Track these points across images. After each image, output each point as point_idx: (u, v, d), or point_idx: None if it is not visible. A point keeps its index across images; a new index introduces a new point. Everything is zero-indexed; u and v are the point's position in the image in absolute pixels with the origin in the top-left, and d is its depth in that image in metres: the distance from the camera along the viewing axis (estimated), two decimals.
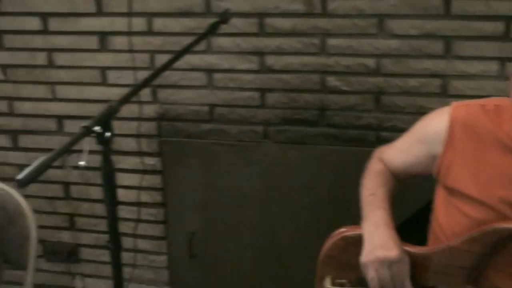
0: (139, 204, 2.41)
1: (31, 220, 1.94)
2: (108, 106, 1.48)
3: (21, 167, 2.51)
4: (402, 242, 1.46)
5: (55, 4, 2.30)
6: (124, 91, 2.29)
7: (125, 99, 1.55)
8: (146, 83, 1.65)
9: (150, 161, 2.38)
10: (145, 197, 2.41)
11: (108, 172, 1.49)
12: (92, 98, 2.38)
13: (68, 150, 1.35)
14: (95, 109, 2.37)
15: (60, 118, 2.44)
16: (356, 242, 1.49)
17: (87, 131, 1.40)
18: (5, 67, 2.42)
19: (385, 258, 1.43)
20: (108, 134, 1.44)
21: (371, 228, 1.48)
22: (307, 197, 2.26)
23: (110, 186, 1.50)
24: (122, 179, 2.39)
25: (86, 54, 2.34)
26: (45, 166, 1.29)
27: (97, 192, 2.47)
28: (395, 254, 1.43)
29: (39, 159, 1.30)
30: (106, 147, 1.46)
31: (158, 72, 1.68)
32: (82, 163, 1.39)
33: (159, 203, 2.43)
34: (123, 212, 2.45)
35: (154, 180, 2.41)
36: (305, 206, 2.28)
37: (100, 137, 1.43)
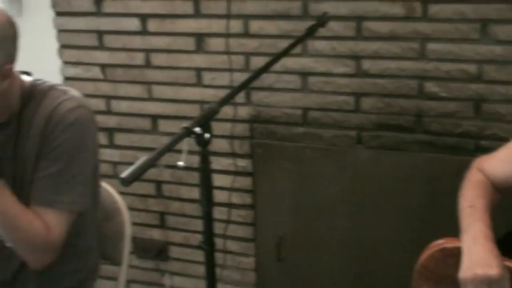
0: (229, 205, 2.42)
1: (127, 217, 1.98)
2: (208, 107, 1.48)
3: (116, 164, 2.58)
4: (503, 257, 1.40)
5: (154, 6, 2.35)
6: (219, 92, 2.35)
7: (225, 101, 1.55)
8: (244, 85, 1.64)
9: (242, 163, 2.39)
10: (235, 198, 2.42)
11: (206, 173, 1.49)
12: (186, 98, 2.41)
13: (169, 150, 1.37)
14: (189, 110, 2.42)
15: (154, 118, 2.49)
16: (454, 255, 1.43)
17: (188, 132, 1.41)
18: (104, 66, 2.49)
19: (484, 276, 1.37)
20: (207, 135, 1.45)
21: (470, 242, 1.43)
22: (399, 205, 2.21)
23: (207, 187, 1.51)
24: (214, 179, 2.40)
25: (182, 55, 2.37)
26: (148, 166, 1.31)
27: (188, 192, 2.51)
28: (496, 273, 1.36)
29: (141, 159, 1.32)
30: (204, 149, 1.47)
31: (257, 74, 1.68)
32: (181, 163, 1.41)
33: (249, 205, 2.44)
34: (214, 212, 2.46)
35: (245, 181, 2.41)
36: (397, 215, 2.22)
37: (199, 138, 1.44)
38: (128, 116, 2.52)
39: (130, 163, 2.52)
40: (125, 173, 1.29)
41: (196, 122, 1.44)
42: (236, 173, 2.40)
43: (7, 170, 1.57)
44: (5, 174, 1.54)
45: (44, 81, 1.66)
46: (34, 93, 1.61)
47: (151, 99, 2.47)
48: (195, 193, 2.49)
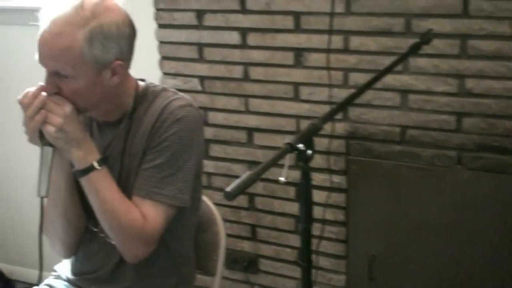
0: (323, 221, 2.40)
1: (221, 228, 2.00)
2: (311, 124, 1.48)
3: (210, 175, 2.61)
4: None
5: (255, 20, 2.37)
6: (315, 107, 2.34)
7: (328, 118, 1.54)
8: (348, 102, 1.64)
9: (336, 179, 2.37)
10: (328, 214, 2.40)
11: (306, 190, 1.49)
12: (283, 112, 2.42)
13: (273, 165, 1.37)
14: (285, 124, 2.42)
15: (250, 130, 2.51)
16: None
17: (291, 148, 1.42)
18: (203, 78, 2.53)
19: None
20: (309, 152, 1.45)
21: None
22: (499, 228, 2.13)
23: (306, 203, 1.50)
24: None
25: (280, 69, 2.38)
26: (252, 180, 1.32)
27: (280, 205, 2.51)
28: None
29: (246, 173, 1.33)
30: (306, 165, 1.46)
31: (361, 91, 1.67)
32: (282, 179, 1.41)
33: (342, 222, 2.41)
34: None
35: (339, 198, 2.39)
36: (496, 237, 2.15)
37: (301, 155, 1.44)
38: (225, 128, 2.54)
39: (224, 175, 2.58)
40: (230, 187, 1.30)
41: (299, 138, 1.44)
42: (330, 189, 2.38)
43: (115, 166, 1.67)
44: (112, 169, 1.63)
45: (157, 85, 1.75)
46: (147, 95, 1.70)
47: (247, 112, 2.49)
48: (288, 207, 2.49)
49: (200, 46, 2.51)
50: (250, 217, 2.59)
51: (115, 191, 1.61)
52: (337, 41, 2.25)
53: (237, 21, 2.40)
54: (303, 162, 1.45)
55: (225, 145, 2.56)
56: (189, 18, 2.48)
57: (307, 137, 1.45)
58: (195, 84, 2.55)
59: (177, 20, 2.52)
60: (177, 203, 1.64)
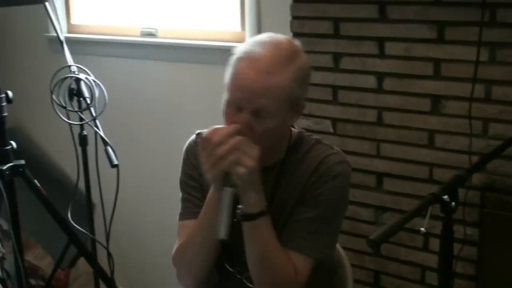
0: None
1: (350, 273, 1.98)
2: (456, 175, 1.45)
3: None
4: None
5: (393, 65, 2.36)
6: (451, 156, 2.29)
7: (474, 169, 1.51)
8: (495, 153, 1.59)
9: (469, 231, 2.29)
10: (458, 267, 2.32)
11: (448, 243, 1.45)
12: (415, 159, 2.38)
13: (416, 214, 1.35)
14: (417, 171, 2.38)
15: (380, 175, 2.48)
16: None
17: (435, 199, 1.39)
18: (335, 120, 2.54)
19: None
20: (453, 203, 1.42)
21: None
22: None
23: (447, 257, 1.46)
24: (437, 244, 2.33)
25: (416, 115, 2.34)
26: (396, 229, 1.30)
27: (406, 253, 2.45)
28: None
29: (390, 221, 1.32)
30: (449, 217, 1.43)
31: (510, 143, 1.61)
32: (423, 229, 1.39)
33: (471, 276, 2.32)
34: (432, 278, 2.39)
35: (470, 251, 2.31)
36: None
37: (445, 206, 1.41)
38: (354, 171, 2.51)
39: (351, 218, 2.55)
40: (374, 235, 1.29)
41: (443, 189, 1.41)
42: (462, 241, 2.30)
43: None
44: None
45: (310, 134, 1.77)
46: (301, 144, 1.71)
47: (378, 156, 2.47)
48: (414, 256, 2.43)
49: (335, 88, 2.52)
50: (374, 263, 2.55)
51: (275, 241, 1.60)
52: (478, 90, 2.19)
53: (375, 65, 2.40)
54: (446, 214, 1.42)
55: (353, 188, 2.53)
56: (326, 60, 2.51)
57: (452, 188, 1.42)
58: (327, 125, 2.56)
59: (313, 62, 2.51)
60: (322, 258, 1.64)
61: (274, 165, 1.69)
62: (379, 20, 2.37)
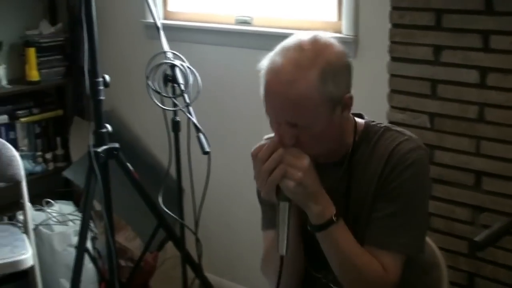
0: None
1: (445, 274, 1.91)
2: None
3: (430, 216, 2.51)
4: None
5: (498, 60, 2.25)
6: None
7: None
8: None
9: None
10: None
11: None
12: None
13: None
14: None
15: (479, 174, 2.37)
16: None
17: None
18: (433, 115, 2.45)
19: None
20: None
21: None
22: None
23: None
24: None
25: None
26: (503, 232, 1.23)
27: (504, 256, 2.34)
28: None
29: (496, 224, 1.25)
30: None
31: None
32: None
33: None
34: None
35: None
36: None
37: None
38: (451, 169, 2.44)
39: (445, 217, 2.46)
40: (479, 237, 1.23)
41: None
42: None
43: (340, 211, 1.58)
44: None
45: (378, 123, 1.67)
46: (369, 135, 1.63)
47: (478, 154, 2.36)
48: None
49: (434, 82, 2.43)
50: (469, 265, 2.45)
51: (354, 244, 1.56)
52: None
53: (478, 59, 2.29)
54: None
55: (449, 186, 2.45)
56: (425, 53, 2.42)
57: None
58: (424, 120, 2.47)
59: (411, 54, 2.47)
60: (414, 252, 1.58)
61: (342, 160, 1.62)
62: (484, 13, 2.26)
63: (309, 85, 1.45)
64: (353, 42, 2.69)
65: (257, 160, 1.53)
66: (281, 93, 1.47)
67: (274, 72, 1.49)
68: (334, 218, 1.52)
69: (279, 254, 1.50)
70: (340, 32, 2.73)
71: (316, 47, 1.49)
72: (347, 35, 2.70)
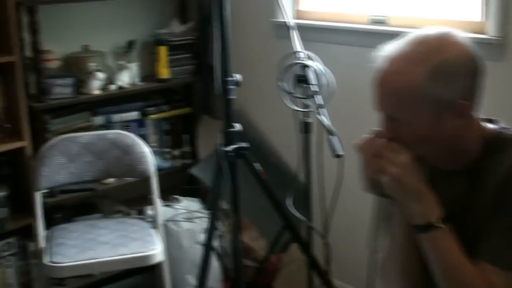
0: None
1: None
2: None
3: None
4: None
5: None
6: None
7: None
8: None
9: None
10: None
11: None
12: None
13: None
14: None
15: None
16: None
17: None
18: None
19: None
20: None
21: None
22: None
23: None
24: None
25: None
26: None
27: None
28: None
29: None
30: None
31: None
32: None
33: None
34: None
35: None
36: None
37: None
38: None
39: None
40: None
41: None
42: None
43: (459, 223, 1.49)
44: (456, 226, 1.47)
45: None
46: (499, 143, 1.51)
47: None
48: None
49: None
50: None
51: (458, 254, 1.45)
52: None
53: None
54: None
55: None
56: None
57: None
58: None
59: None
60: None
61: (465, 169, 1.52)
62: None
63: (413, 80, 1.40)
64: (499, 44, 2.50)
65: (359, 152, 1.51)
66: (385, 83, 1.45)
67: (386, 60, 1.46)
68: (437, 223, 1.45)
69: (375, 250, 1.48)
70: (484, 33, 2.56)
71: (437, 43, 1.43)
72: (493, 37, 2.52)
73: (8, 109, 3.26)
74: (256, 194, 2.78)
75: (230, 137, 2.63)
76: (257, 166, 2.66)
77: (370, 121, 3.03)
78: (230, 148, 2.60)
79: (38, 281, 3.33)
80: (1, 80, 3.23)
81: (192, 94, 3.95)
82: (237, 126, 2.63)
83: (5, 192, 3.17)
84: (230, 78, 2.58)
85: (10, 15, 3.07)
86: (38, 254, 3.02)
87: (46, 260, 2.82)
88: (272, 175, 2.96)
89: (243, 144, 2.64)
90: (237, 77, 2.59)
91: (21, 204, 3.29)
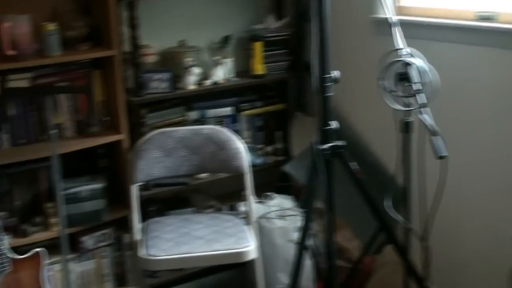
0: None
1: None
2: None
3: None
4: None
5: None
6: None
7: None
8: None
9: None
10: None
11: None
12: None
13: None
14: None
15: None
16: None
17: None
18: None
19: None
20: None
21: None
22: None
23: None
24: None
25: None
26: None
27: None
28: None
29: None
30: None
31: None
32: None
33: None
34: None
35: None
36: None
37: None
38: None
39: None
40: None
41: None
42: None
43: None
44: None
45: None
46: None
47: None
48: None
49: None
50: None
51: None
52: None
53: None
54: None
55: None
56: None
57: None
58: None
59: None
60: None
61: None
62: None
63: None
64: None
65: None
66: None
67: None
68: None
69: None
70: None
71: None
72: None
73: (107, 103, 3.33)
74: (351, 194, 2.72)
75: (326, 135, 2.58)
76: (353, 165, 2.60)
77: (475, 121, 2.94)
78: (326, 146, 2.55)
79: (132, 272, 3.38)
80: (101, 74, 3.30)
81: (286, 91, 3.91)
82: (333, 124, 2.57)
83: (103, 184, 3.24)
84: (327, 75, 2.53)
85: (111, 10, 3.13)
86: (133, 246, 3.07)
87: (141, 252, 2.86)
88: (368, 175, 2.89)
89: (339, 143, 2.58)
90: (335, 74, 2.54)
91: (117, 196, 3.36)
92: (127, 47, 3.30)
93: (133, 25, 3.23)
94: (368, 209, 2.63)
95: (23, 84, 3.09)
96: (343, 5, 3.49)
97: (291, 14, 3.84)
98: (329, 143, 2.57)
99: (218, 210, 3.63)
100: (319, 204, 2.97)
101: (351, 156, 2.61)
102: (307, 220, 2.62)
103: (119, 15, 3.21)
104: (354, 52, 3.51)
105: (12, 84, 3.05)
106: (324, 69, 2.52)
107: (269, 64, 3.72)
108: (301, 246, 2.62)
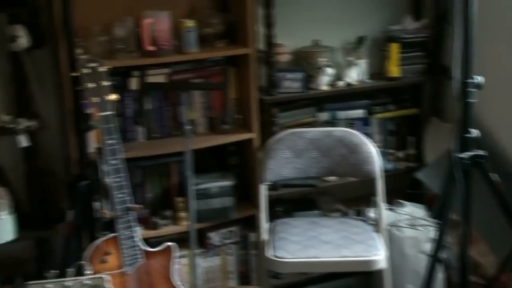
0: None
1: None
2: None
3: None
4: None
5: None
6: None
7: None
8: None
9: None
10: None
11: None
12: None
13: None
14: None
15: None
16: None
17: None
18: None
19: None
20: None
21: None
22: None
23: None
24: None
25: None
26: None
27: None
28: None
29: None
30: None
31: None
32: None
33: None
34: None
35: None
36: None
37: None
38: None
39: None
40: None
41: None
42: None
43: None
44: None
45: None
46: None
47: None
48: None
49: None
50: None
51: None
52: None
53: None
54: None
55: None
56: None
57: None
58: None
59: None
60: None
61: None
62: None
63: None
64: None
65: None
66: None
67: None
68: None
69: None
70: None
71: None
72: None
73: (240, 101, 3.35)
74: (488, 206, 2.58)
75: (465, 143, 2.45)
76: (494, 176, 2.45)
77: None
78: (465, 155, 2.42)
79: (257, 271, 3.38)
80: (235, 71, 3.32)
81: (421, 95, 3.77)
82: (474, 132, 2.44)
83: (232, 182, 3.26)
84: (470, 80, 2.40)
85: (248, 8, 3.13)
86: (259, 245, 3.06)
87: (269, 253, 2.84)
88: (510, 188, 2.73)
89: (480, 152, 2.45)
90: (479, 79, 2.40)
91: (245, 194, 3.37)
92: (261, 45, 3.30)
93: (269, 24, 3.23)
94: (508, 224, 2.48)
95: (160, 79, 3.16)
96: (490, 7, 3.30)
97: (430, 15, 3.70)
98: (468, 152, 2.44)
99: (345, 214, 3.55)
100: (454, 216, 2.84)
101: (492, 167, 2.47)
102: (442, 231, 2.50)
103: (255, 13, 3.21)
104: (501, 57, 3.30)
105: (150, 79, 3.13)
106: (467, 74, 2.40)
107: (404, 67, 3.59)
108: (434, 258, 2.51)
